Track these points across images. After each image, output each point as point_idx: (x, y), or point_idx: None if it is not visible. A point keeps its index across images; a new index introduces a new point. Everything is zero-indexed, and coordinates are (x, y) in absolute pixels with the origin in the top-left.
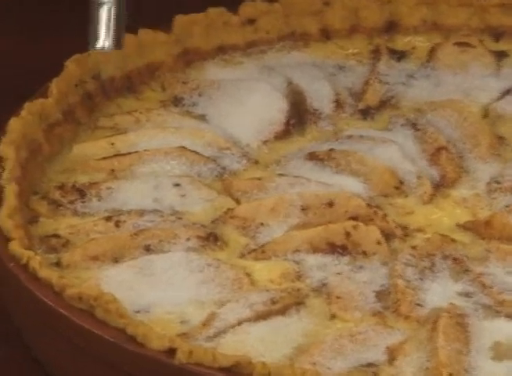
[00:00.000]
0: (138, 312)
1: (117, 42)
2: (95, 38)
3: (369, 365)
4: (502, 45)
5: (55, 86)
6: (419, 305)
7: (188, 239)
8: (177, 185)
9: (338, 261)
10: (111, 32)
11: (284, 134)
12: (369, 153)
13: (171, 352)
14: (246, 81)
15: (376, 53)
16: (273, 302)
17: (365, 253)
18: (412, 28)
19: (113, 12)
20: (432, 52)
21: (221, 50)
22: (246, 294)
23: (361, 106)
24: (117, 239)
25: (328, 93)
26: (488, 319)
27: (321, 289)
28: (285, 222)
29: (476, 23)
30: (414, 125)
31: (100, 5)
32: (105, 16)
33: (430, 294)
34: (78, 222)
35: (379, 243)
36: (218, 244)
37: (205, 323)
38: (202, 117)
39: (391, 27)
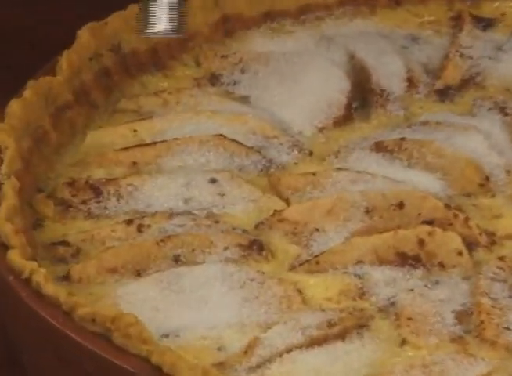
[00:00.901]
0: (165, 336)
1: (181, 26)
2: (152, 21)
3: None
4: None
5: (65, 61)
6: (507, 328)
7: (226, 247)
8: (213, 181)
9: (410, 275)
10: (174, 14)
11: (345, 119)
12: (447, 142)
13: None
14: (298, 55)
15: (457, 21)
16: (330, 325)
17: (442, 265)
18: None
19: None
20: None
21: (269, 17)
22: (296, 315)
23: (438, 85)
24: (140, 247)
25: (398, 70)
26: None
27: (388, 309)
28: (345, 226)
29: None
30: (503, 109)
31: None
32: None
33: None
34: (92, 226)
35: (459, 253)
36: (263, 253)
37: (247, 351)
38: (245, 99)
39: None
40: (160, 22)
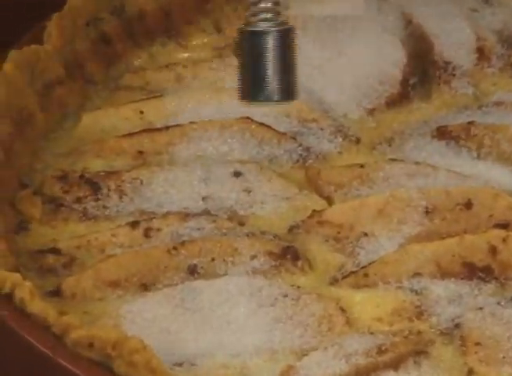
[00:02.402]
0: (178, 365)
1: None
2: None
3: None
4: None
5: (54, 26)
6: None
7: (253, 256)
8: (238, 175)
9: (479, 290)
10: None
11: (400, 99)
12: None
13: None
14: (343, 20)
15: None
16: (381, 351)
17: None
18: None
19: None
20: None
21: None
22: (339, 340)
23: None
24: (148, 256)
25: (467, 38)
26: None
27: (452, 332)
28: (399, 231)
29: None
30: None
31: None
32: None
33: None
34: (89, 230)
35: None
36: (299, 263)
37: None
38: None
39: None
40: (270, 88)
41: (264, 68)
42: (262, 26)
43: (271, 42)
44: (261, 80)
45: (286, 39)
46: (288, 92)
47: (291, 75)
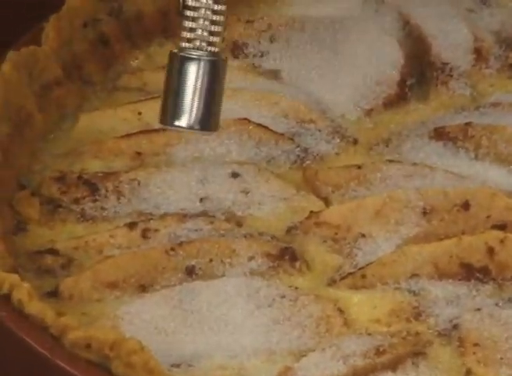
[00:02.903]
0: (176, 366)
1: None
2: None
3: None
4: None
5: (52, 27)
6: None
7: (251, 257)
8: (235, 176)
9: (476, 291)
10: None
11: (398, 99)
12: None
13: None
14: (341, 20)
15: None
16: (379, 353)
17: None
18: None
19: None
20: None
21: None
22: (337, 341)
23: None
24: (145, 257)
25: (464, 39)
26: None
27: (450, 333)
28: (397, 232)
29: None
30: None
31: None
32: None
33: None
34: (87, 231)
35: None
36: (297, 264)
37: None
38: (274, 74)
39: None
40: (191, 115)
41: (188, 95)
42: (194, 53)
43: (200, 71)
44: (184, 106)
45: (215, 70)
46: (210, 122)
47: (215, 106)
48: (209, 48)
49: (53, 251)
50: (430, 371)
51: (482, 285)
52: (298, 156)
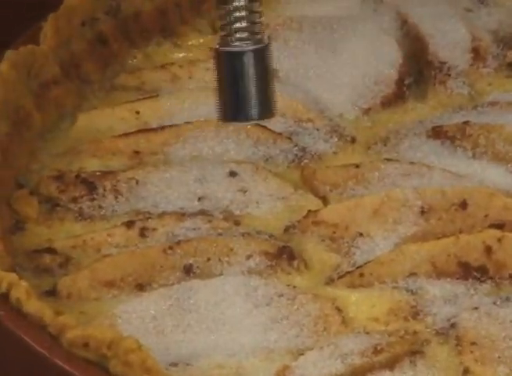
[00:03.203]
0: (174, 365)
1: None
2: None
3: None
4: None
5: (50, 26)
6: None
7: (249, 256)
8: (233, 175)
9: (474, 290)
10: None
11: (396, 99)
12: None
13: None
14: (339, 20)
15: None
16: (377, 351)
17: None
18: None
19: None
20: None
21: None
22: (335, 339)
23: (511, 57)
24: (143, 256)
25: (462, 38)
26: None
27: (448, 332)
28: (395, 231)
29: None
30: None
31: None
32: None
33: None
34: (84, 230)
35: None
36: (295, 263)
37: None
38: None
39: None
40: (248, 107)
41: (242, 88)
42: (238, 46)
43: (248, 62)
44: (240, 99)
45: (262, 57)
46: (267, 109)
47: (269, 92)
48: (251, 37)
49: (51, 250)
50: (428, 370)
51: (480, 284)
52: (296, 155)
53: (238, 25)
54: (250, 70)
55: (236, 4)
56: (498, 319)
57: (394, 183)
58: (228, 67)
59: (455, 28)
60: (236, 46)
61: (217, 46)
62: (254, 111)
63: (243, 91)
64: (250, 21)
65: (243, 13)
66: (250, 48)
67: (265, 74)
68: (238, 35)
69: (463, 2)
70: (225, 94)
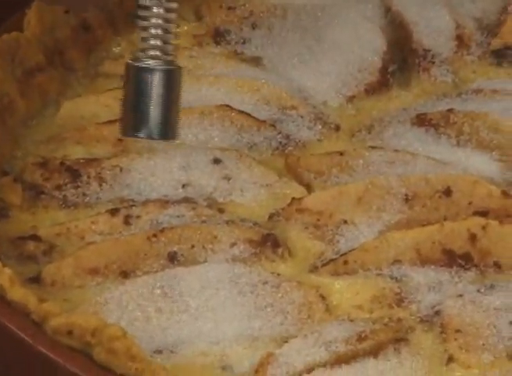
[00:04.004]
0: (158, 352)
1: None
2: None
3: None
4: None
5: (34, 13)
6: None
7: (233, 244)
8: (217, 162)
9: (458, 277)
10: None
11: (379, 86)
12: (506, 115)
13: None
14: (323, 7)
15: None
16: (361, 339)
17: (498, 266)
18: None
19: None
20: None
21: None
22: (319, 327)
23: (495, 44)
24: (127, 243)
25: (446, 26)
26: None
27: (432, 319)
28: (379, 218)
29: None
30: None
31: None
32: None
33: None
34: (69, 217)
35: None
36: (279, 251)
37: (258, 370)
38: (256, 61)
39: None
40: (148, 125)
41: (146, 105)
42: (149, 63)
43: (156, 80)
44: (143, 116)
45: (171, 79)
46: (169, 130)
47: (173, 115)
48: (163, 57)
49: (35, 238)
50: (413, 357)
51: (464, 271)
52: (280, 142)
53: (152, 42)
54: (156, 88)
55: (152, 21)
56: (482, 307)
57: (379, 171)
58: (136, 82)
59: (439, 15)
60: (146, 63)
61: (128, 60)
62: (155, 130)
63: (147, 108)
64: (164, 41)
65: (158, 31)
66: (161, 67)
67: (172, 96)
68: (150, 53)
69: None
70: (129, 108)
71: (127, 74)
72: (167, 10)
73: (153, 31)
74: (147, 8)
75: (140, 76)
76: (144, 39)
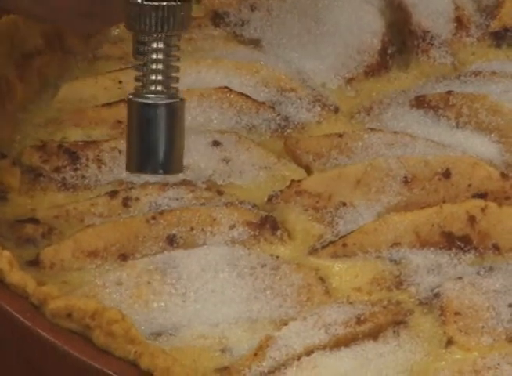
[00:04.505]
0: (157, 335)
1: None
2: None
3: None
4: None
5: None
6: None
7: (232, 226)
8: (216, 144)
9: (458, 260)
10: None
11: (379, 68)
12: (505, 97)
13: None
14: None
15: None
16: (360, 321)
17: (497, 248)
18: None
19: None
20: None
21: None
22: (318, 310)
23: (494, 26)
24: (126, 226)
25: (445, 7)
26: None
27: (431, 302)
28: (378, 200)
29: None
30: None
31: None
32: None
33: None
34: (67, 200)
35: None
36: (278, 233)
37: (257, 353)
38: (255, 43)
39: None
40: (153, 161)
41: (151, 141)
42: (151, 98)
43: (159, 115)
44: (148, 152)
45: (174, 112)
46: (174, 165)
47: (179, 148)
48: (165, 91)
49: (34, 220)
50: (412, 340)
51: (463, 254)
52: (279, 124)
53: (153, 77)
54: (161, 123)
55: (153, 56)
56: (481, 289)
57: (378, 153)
58: (139, 118)
59: None
60: (148, 98)
61: (130, 96)
62: (160, 165)
63: (151, 144)
64: (165, 75)
65: (160, 66)
66: (163, 102)
67: (176, 129)
68: (152, 88)
69: None
70: (133, 145)
71: (129, 109)
72: (168, 44)
73: (153, 67)
74: (146, 43)
75: (143, 112)
76: (145, 75)
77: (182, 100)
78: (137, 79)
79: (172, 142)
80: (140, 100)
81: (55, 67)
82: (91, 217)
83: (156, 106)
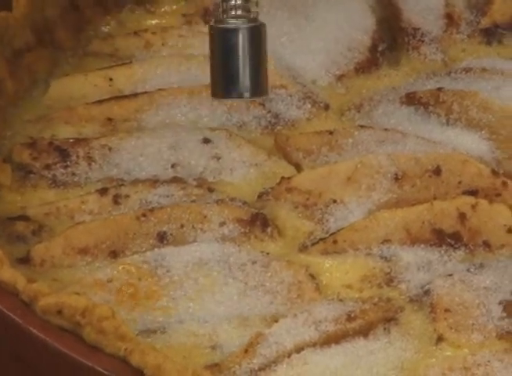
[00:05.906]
0: (148, 332)
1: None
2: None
3: None
4: None
5: None
6: None
7: (223, 223)
8: (207, 141)
9: (448, 257)
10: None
11: (369, 65)
12: (495, 94)
13: None
14: None
15: None
16: (350, 318)
17: (488, 245)
18: None
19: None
20: None
21: None
22: (309, 307)
23: (484, 23)
24: (117, 223)
25: (435, 4)
26: None
27: (422, 299)
28: (368, 197)
29: None
30: None
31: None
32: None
33: None
34: (58, 197)
35: (509, 230)
36: (268, 230)
37: (247, 350)
38: None
39: None
40: (240, 85)
41: (235, 65)
42: (233, 23)
43: (242, 39)
44: (233, 77)
45: (256, 36)
46: (259, 88)
47: (262, 71)
48: (246, 15)
49: (24, 218)
50: (402, 337)
51: (454, 251)
52: (269, 121)
53: (233, 2)
54: (244, 47)
55: None
56: (472, 286)
57: (368, 150)
58: (222, 44)
59: None
60: (230, 23)
61: (211, 23)
62: (246, 89)
63: (236, 68)
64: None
65: None
66: (245, 25)
67: (259, 53)
68: (233, 13)
69: None
70: (218, 71)
71: (211, 37)
72: None
73: None
74: None
75: (225, 37)
76: (225, 0)
77: (263, 24)
78: (217, 6)
79: (256, 65)
80: (222, 26)
81: (46, 63)
82: (82, 214)
83: (237, 30)
